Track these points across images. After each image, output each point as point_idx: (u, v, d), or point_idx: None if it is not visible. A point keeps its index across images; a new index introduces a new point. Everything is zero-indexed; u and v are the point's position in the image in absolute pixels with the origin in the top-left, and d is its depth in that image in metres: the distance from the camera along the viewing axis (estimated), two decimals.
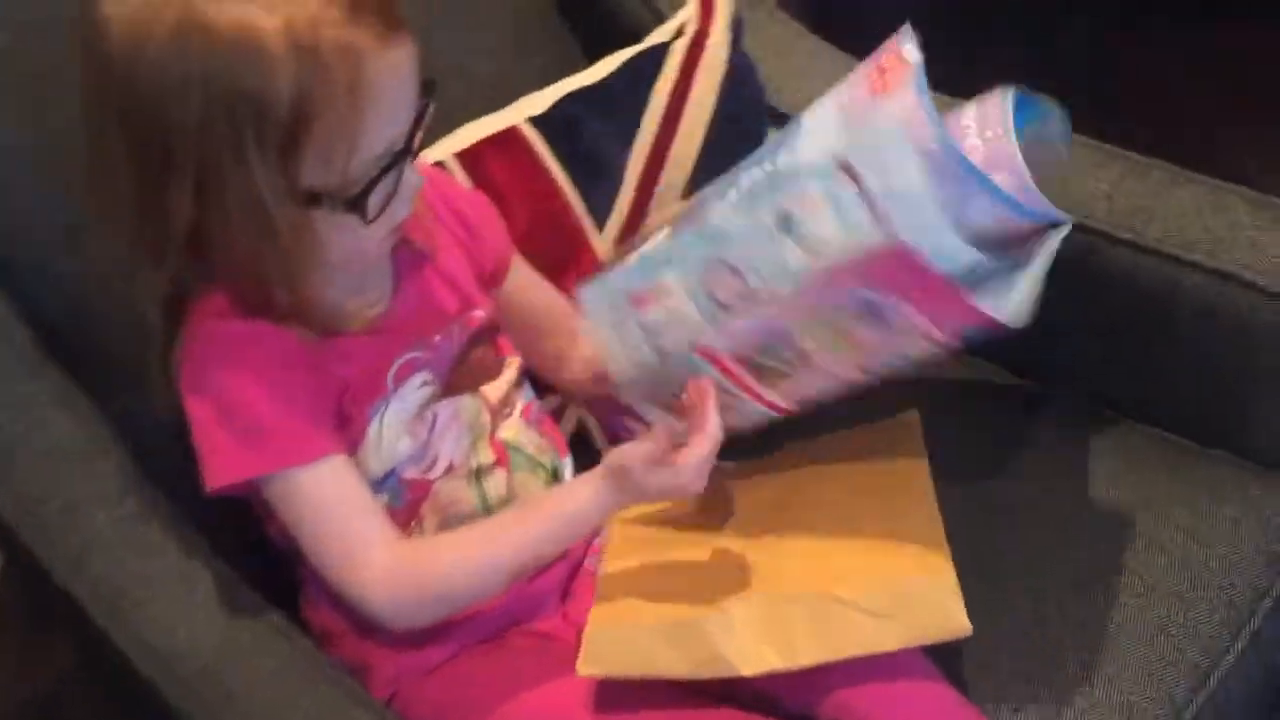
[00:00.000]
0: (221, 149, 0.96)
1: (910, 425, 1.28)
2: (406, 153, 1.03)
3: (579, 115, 1.40)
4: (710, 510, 1.23)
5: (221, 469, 1.06)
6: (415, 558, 1.10)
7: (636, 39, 1.48)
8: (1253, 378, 1.30)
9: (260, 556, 1.18)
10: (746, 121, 1.45)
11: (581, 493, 1.10)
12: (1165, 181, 1.33)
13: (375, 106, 0.98)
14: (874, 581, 1.03)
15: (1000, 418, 1.39)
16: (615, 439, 1.32)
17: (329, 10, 0.96)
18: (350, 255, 1.06)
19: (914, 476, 1.18)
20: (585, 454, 1.31)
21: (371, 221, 1.02)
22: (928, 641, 1.02)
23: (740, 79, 1.44)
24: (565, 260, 1.38)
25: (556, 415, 1.38)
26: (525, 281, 1.30)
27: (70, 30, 0.99)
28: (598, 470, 1.09)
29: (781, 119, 1.47)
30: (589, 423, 1.43)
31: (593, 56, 1.50)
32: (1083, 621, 1.19)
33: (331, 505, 1.08)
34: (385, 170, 1.01)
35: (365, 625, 1.12)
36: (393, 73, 0.99)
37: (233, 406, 1.05)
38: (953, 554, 1.06)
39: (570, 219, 1.39)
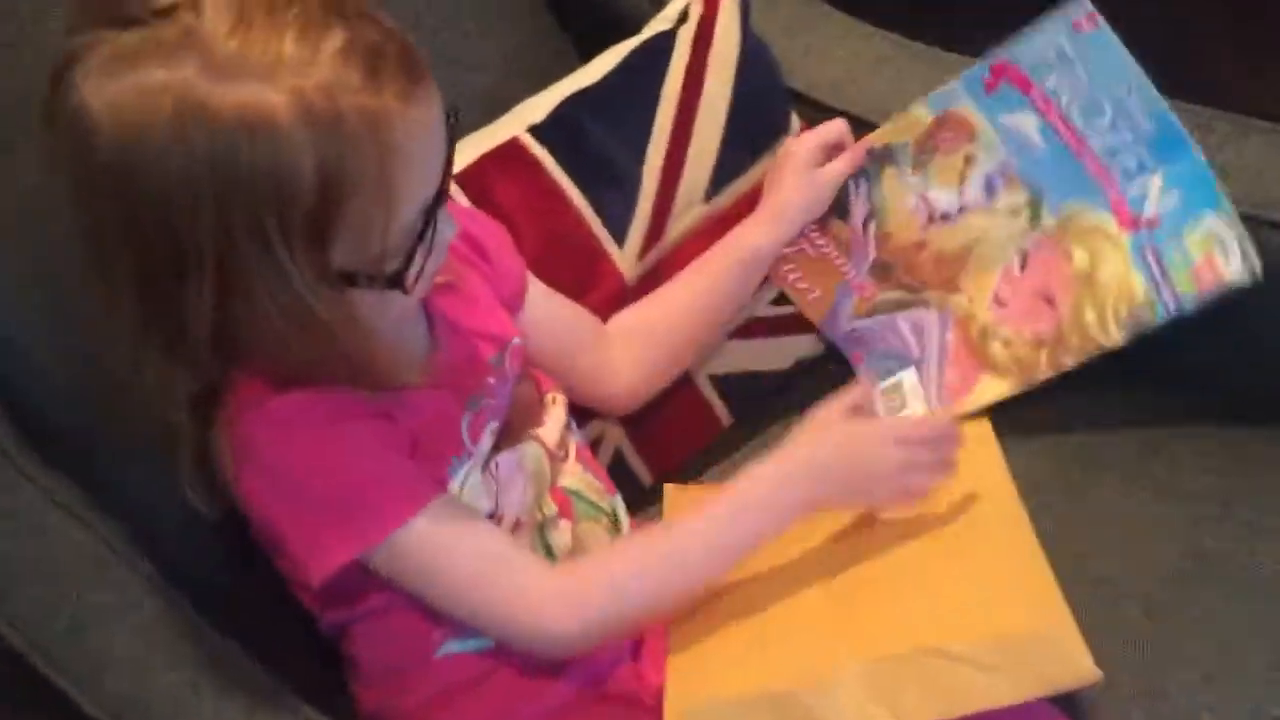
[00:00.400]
0: (242, 244, 0.86)
1: (982, 434, 1.17)
2: (440, 202, 0.93)
3: (583, 120, 1.29)
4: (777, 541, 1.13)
5: (328, 555, 0.95)
6: (582, 573, 1.02)
7: (635, 29, 1.36)
8: None
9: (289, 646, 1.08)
10: (766, 109, 1.33)
11: (763, 473, 1.03)
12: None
13: (408, 170, 0.88)
14: (983, 630, 0.93)
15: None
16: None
17: (345, 74, 0.85)
18: (394, 318, 0.97)
19: (999, 494, 1.09)
20: (626, 486, 1.23)
21: (413, 288, 0.93)
22: (1053, 692, 0.92)
23: (754, 63, 1.32)
24: (584, 281, 1.27)
25: (594, 446, 1.28)
26: (545, 301, 1.20)
27: (40, 114, 0.88)
28: (784, 447, 1.04)
29: (800, 99, 1.36)
30: (625, 449, 1.33)
31: (588, 53, 1.39)
32: (1199, 623, 1.10)
33: (467, 545, 0.98)
34: (422, 232, 0.92)
35: (432, 698, 1.03)
36: (422, 128, 0.89)
37: (315, 486, 0.95)
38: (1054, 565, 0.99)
39: (586, 235, 1.28)
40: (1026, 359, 1.23)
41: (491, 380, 1.07)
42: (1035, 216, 1.24)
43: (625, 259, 1.28)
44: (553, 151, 1.27)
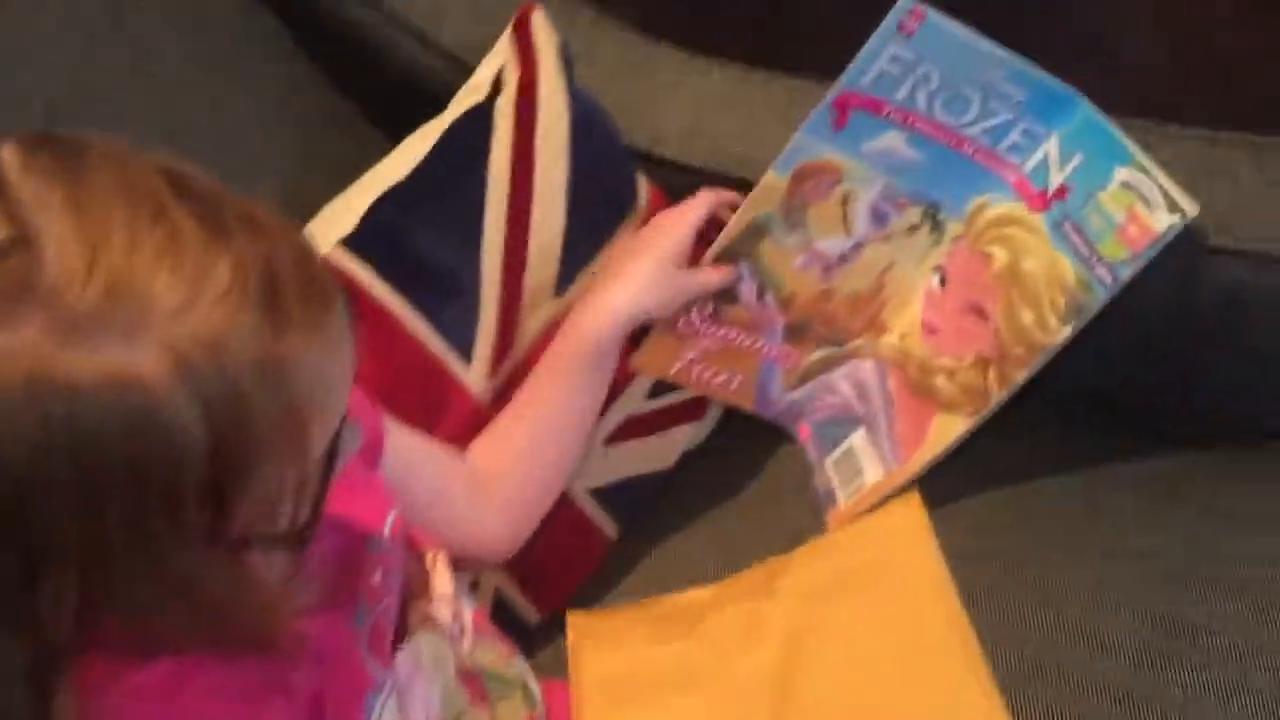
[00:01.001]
0: (118, 531, 0.66)
1: (913, 519, 1.03)
2: (345, 421, 0.74)
3: (401, 223, 1.09)
4: (698, 665, 1.03)
5: None
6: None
7: (436, 99, 1.17)
8: None
9: None
10: (610, 180, 1.15)
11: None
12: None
13: (322, 413, 0.70)
14: None
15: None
16: None
17: (235, 316, 0.65)
18: (286, 568, 0.78)
19: (937, 597, 0.99)
20: (512, 631, 1.07)
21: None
22: None
23: (588, 128, 1.14)
24: (431, 409, 1.09)
25: (471, 591, 1.10)
26: (407, 447, 1.01)
27: None
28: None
29: (646, 159, 1.19)
30: (506, 590, 1.15)
31: (390, 129, 1.19)
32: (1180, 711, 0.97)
33: None
34: (329, 465, 0.74)
35: None
36: (332, 356, 0.70)
37: None
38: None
39: (426, 357, 1.09)
40: (974, 385, 1.09)
41: (377, 577, 0.89)
42: (937, 227, 1.11)
43: (475, 376, 1.10)
44: (372, 265, 1.08)
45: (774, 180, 1.09)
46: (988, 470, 1.12)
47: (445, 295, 1.09)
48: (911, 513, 1.06)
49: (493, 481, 1.06)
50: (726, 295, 1.13)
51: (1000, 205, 1.08)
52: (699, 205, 1.10)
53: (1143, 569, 1.05)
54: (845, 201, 1.10)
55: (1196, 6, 1.77)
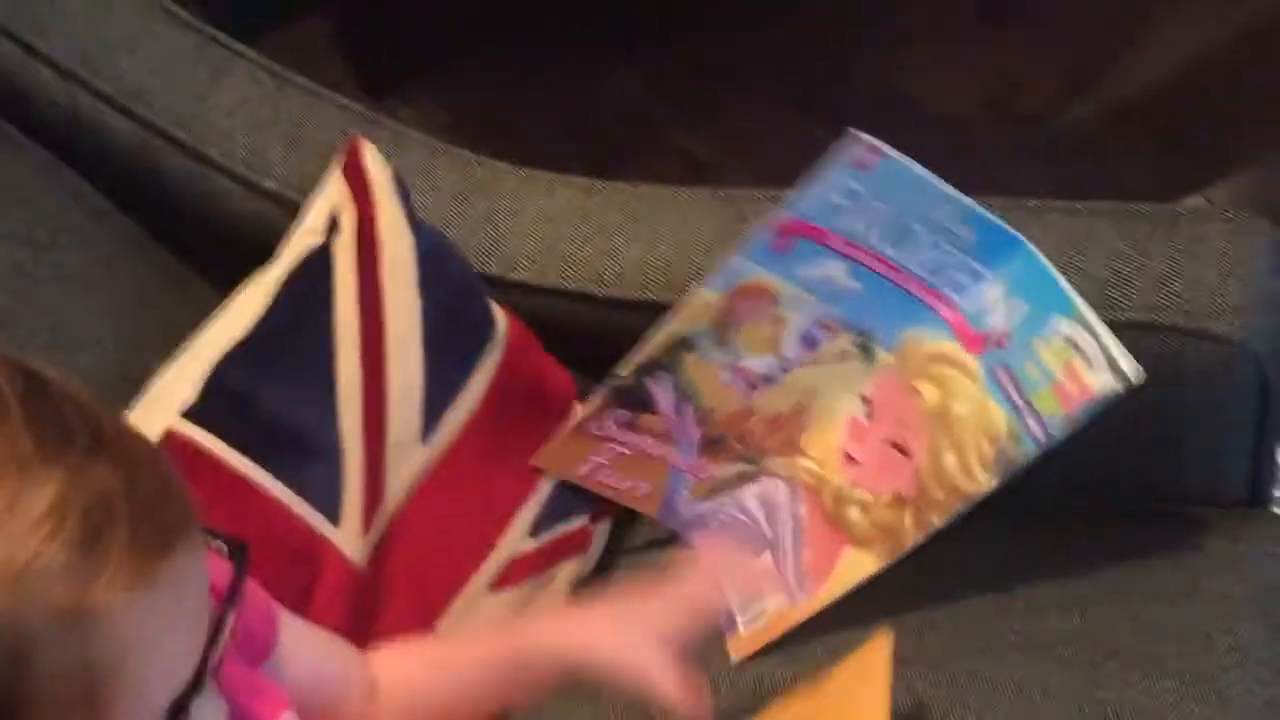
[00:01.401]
0: None
1: (877, 656, 0.97)
2: (199, 689, 0.65)
3: (246, 385, 1.01)
4: None
5: None
6: None
7: (262, 240, 1.10)
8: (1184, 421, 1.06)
9: None
10: (465, 314, 1.09)
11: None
12: None
13: (135, 686, 0.61)
14: None
15: None
16: None
17: (44, 549, 0.57)
18: None
19: None
20: None
21: None
22: None
23: (437, 260, 1.07)
24: (307, 578, 1.00)
25: None
26: (298, 641, 0.91)
27: None
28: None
29: (497, 285, 1.13)
30: None
31: (214, 274, 1.12)
32: None
33: None
34: None
35: None
36: (161, 620, 0.61)
37: None
38: None
39: (291, 525, 1.00)
40: (889, 524, 1.05)
41: None
42: (868, 355, 1.06)
43: (346, 538, 1.02)
44: (221, 435, 1.00)
45: (706, 297, 1.05)
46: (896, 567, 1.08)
47: (304, 456, 1.01)
48: (877, 658, 1.01)
49: (406, 689, 0.96)
50: (643, 404, 1.08)
51: (935, 342, 1.04)
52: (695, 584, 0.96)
53: (1066, 655, 1.02)
54: (776, 324, 1.07)
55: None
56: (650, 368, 1.08)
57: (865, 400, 1.07)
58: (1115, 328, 1.00)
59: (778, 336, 1.06)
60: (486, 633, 1.03)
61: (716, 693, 1.02)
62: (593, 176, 1.16)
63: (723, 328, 1.06)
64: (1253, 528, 1.09)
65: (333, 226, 1.06)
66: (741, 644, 1.07)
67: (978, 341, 1.02)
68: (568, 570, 1.13)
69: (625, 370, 1.08)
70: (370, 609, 1.04)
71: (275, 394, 1.01)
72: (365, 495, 1.02)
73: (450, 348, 1.06)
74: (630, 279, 1.12)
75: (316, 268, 1.05)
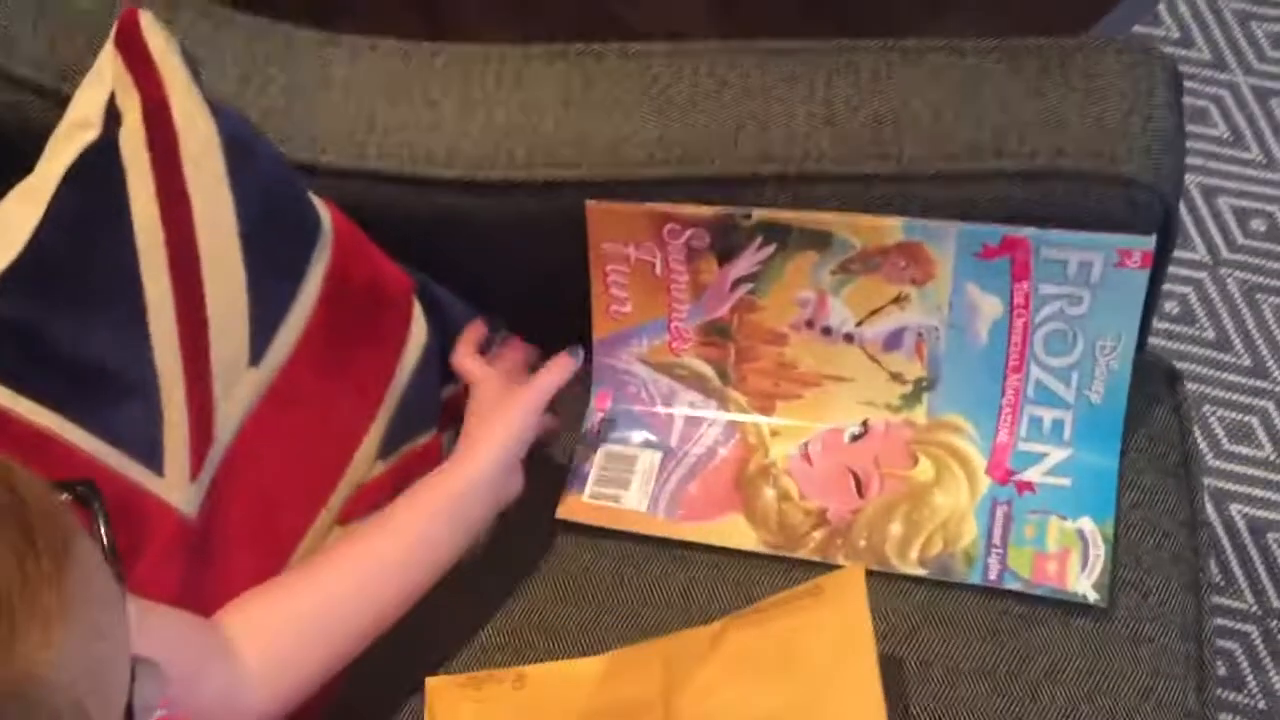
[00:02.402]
0: None
1: (851, 585, 0.91)
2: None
3: (25, 318, 0.84)
4: None
5: None
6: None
7: (22, 141, 0.91)
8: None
9: None
10: (284, 209, 0.93)
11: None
12: None
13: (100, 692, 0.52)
14: None
15: None
16: None
17: None
18: None
19: (860, 692, 0.86)
20: None
21: None
22: None
23: (245, 149, 0.91)
24: (132, 542, 0.85)
25: None
26: (154, 623, 0.78)
27: None
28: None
29: (311, 173, 0.97)
30: None
31: None
32: None
33: None
34: None
35: None
36: (85, 629, 0.51)
37: None
38: None
39: (105, 482, 0.84)
40: (795, 528, 0.99)
41: None
42: (913, 399, 1.01)
43: (173, 487, 0.86)
44: (2, 381, 0.82)
45: (888, 225, 0.96)
46: None
47: (113, 397, 0.85)
48: (852, 587, 0.92)
49: (275, 631, 0.85)
50: (726, 249, 0.98)
51: (967, 446, 1.00)
52: (554, 375, 0.97)
53: None
54: (896, 301, 0.99)
55: None
56: (775, 232, 0.97)
57: (865, 425, 1.02)
58: (1016, 178, 0.93)
59: (881, 310, 0.98)
60: (355, 534, 0.92)
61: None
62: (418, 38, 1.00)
63: (865, 261, 0.97)
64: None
65: (112, 117, 0.88)
66: (572, 507, 1.01)
67: (1003, 473, 0.99)
68: None
69: (757, 214, 0.97)
70: (208, 564, 0.89)
71: (65, 326, 0.84)
72: (191, 435, 0.87)
73: (273, 253, 0.90)
74: (465, 155, 0.97)
75: (98, 168, 0.87)
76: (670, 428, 1.03)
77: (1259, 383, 1.54)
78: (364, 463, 0.96)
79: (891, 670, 0.88)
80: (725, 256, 0.99)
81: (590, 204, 0.98)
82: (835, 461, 1.01)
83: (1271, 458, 1.51)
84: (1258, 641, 1.41)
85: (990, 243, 0.95)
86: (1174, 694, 0.93)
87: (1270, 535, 1.46)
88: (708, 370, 1.03)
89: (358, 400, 0.96)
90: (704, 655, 0.89)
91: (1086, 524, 0.96)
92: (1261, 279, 1.59)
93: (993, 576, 0.95)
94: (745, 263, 0.99)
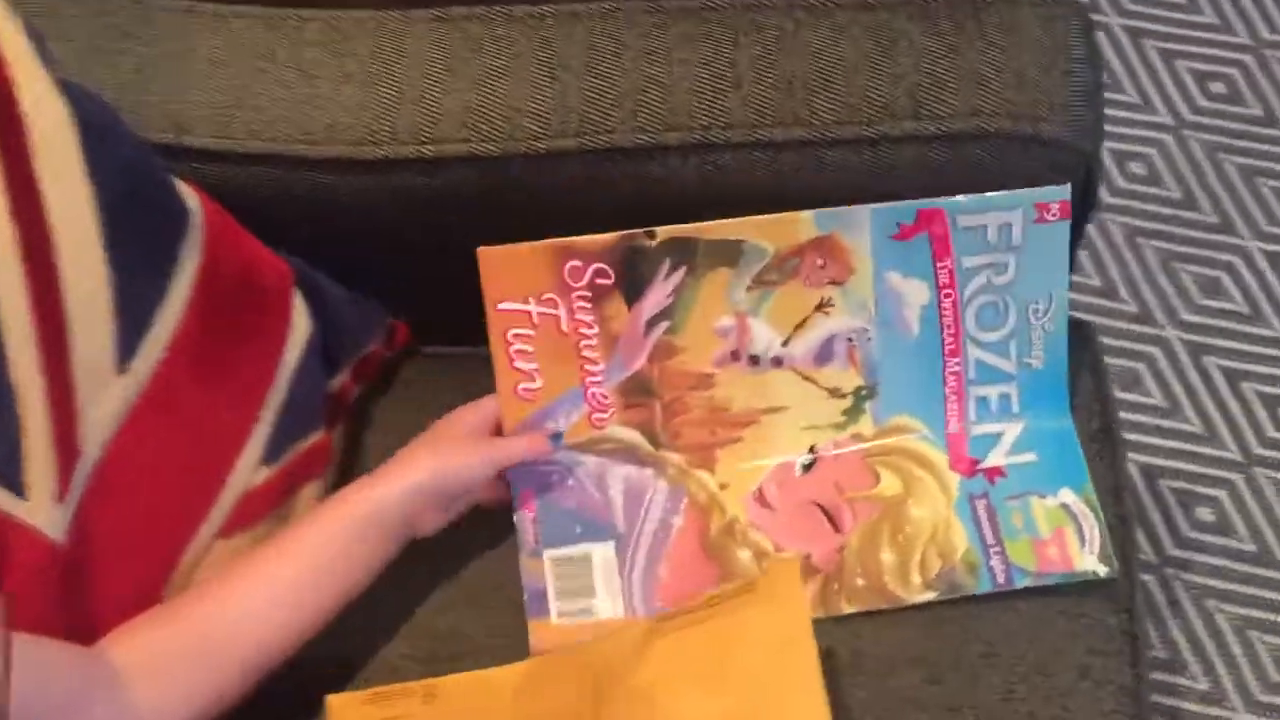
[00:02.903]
0: None
1: (786, 579, 0.87)
2: None
3: None
4: None
5: None
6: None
7: None
8: None
9: None
10: (147, 196, 0.84)
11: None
12: None
13: None
14: None
15: None
16: None
17: None
18: None
19: (803, 689, 0.82)
20: None
21: None
22: None
23: (101, 132, 0.82)
24: None
25: None
26: (26, 658, 0.70)
27: None
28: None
29: (171, 154, 0.89)
30: None
31: None
32: None
33: None
34: None
35: None
36: None
37: None
38: None
39: None
40: None
41: None
42: (856, 411, 0.96)
43: (37, 509, 0.77)
44: None
45: (806, 223, 0.91)
46: None
47: None
48: (788, 580, 0.88)
49: (167, 662, 0.77)
50: (635, 283, 0.91)
51: (921, 445, 0.96)
52: (525, 445, 0.93)
53: None
54: (820, 307, 0.94)
55: None
56: (683, 251, 0.91)
57: (813, 451, 0.96)
58: (936, 140, 0.88)
59: (806, 321, 0.93)
60: (251, 556, 0.85)
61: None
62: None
63: (781, 267, 0.92)
64: None
65: None
66: (545, 636, 0.92)
67: (968, 464, 0.95)
68: (308, 493, 0.94)
69: (660, 233, 0.91)
70: (82, 589, 0.81)
71: None
72: (56, 451, 0.78)
73: (138, 246, 0.82)
74: (344, 131, 0.90)
75: None
76: (610, 513, 0.94)
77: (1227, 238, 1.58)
78: (247, 470, 0.89)
79: (826, 663, 0.84)
80: (634, 292, 0.92)
81: (482, 250, 0.91)
82: (797, 500, 0.95)
83: (1245, 311, 1.54)
84: (1155, 590, 1.41)
85: (905, 221, 0.91)
86: (1110, 671, 0.90)
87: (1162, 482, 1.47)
88: (635, 437, 0.95)
89: (238, 402, 0.88)
90: (633, 661, 0.83)
91: (1068, 496, 0.93)
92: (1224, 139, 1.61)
93: (1001, 580, 0.91)
94: (656, 296, 0.92)
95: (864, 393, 0.95)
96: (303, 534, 0.84)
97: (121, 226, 0.81)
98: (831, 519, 0.93)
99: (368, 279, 0.98)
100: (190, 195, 0.86)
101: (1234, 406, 1.51)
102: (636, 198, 0.93)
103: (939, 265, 0.92)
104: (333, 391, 0.97)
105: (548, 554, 0.92)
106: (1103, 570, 0.91)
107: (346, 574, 0.84)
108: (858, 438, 0.95)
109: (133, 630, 0.79)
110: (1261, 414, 1.50)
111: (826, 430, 0.95)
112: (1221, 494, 1.46)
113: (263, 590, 0.82)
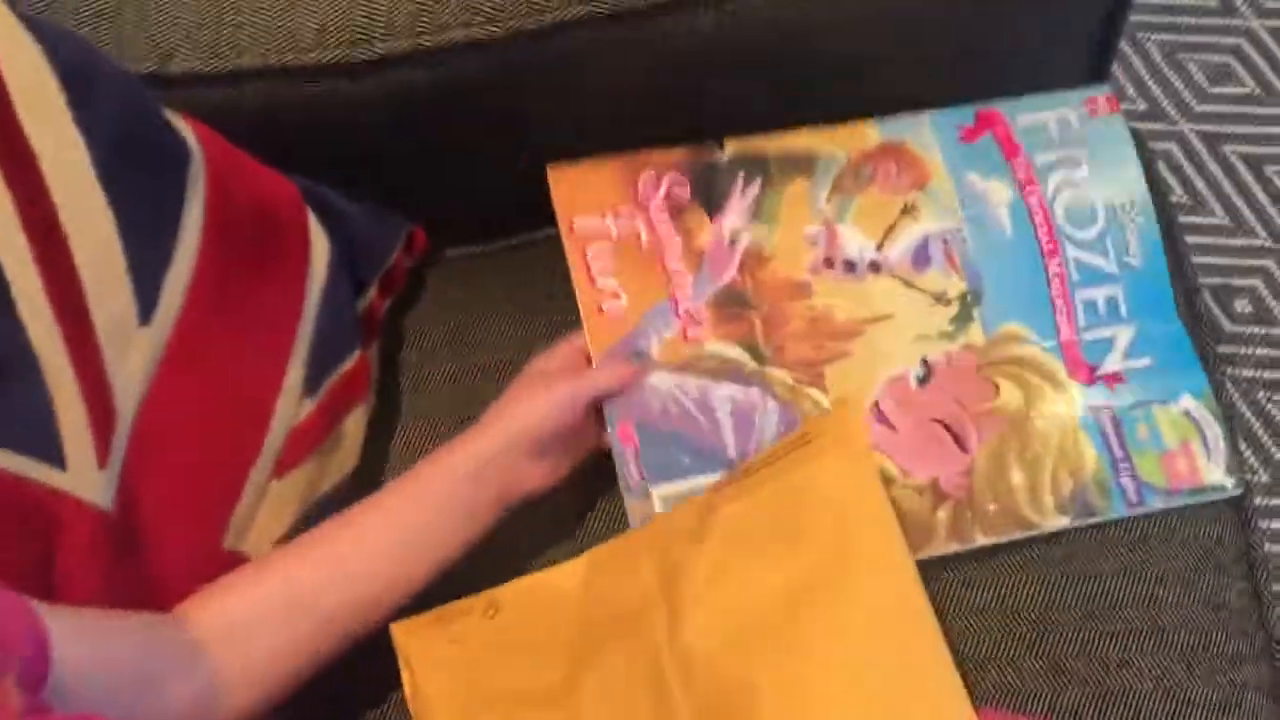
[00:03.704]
0: None
1: (841, 423, 0.84)
2: None
3: None
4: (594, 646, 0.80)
5: None
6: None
7: None
8: None
9: None
10: (141, 134, 0.78)
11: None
12: None
13: None
14: None
15: None
16: None
17: None
18: None
19: (881, 539, 0.79)
20: None
21: None
22: None
23: (82, 70, 0.75)
24: (42, 550, 0.72)
25: None
26: (65, 633, 0.65)
27: None
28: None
29: (157, 83, 0.83)
30: None
31: None
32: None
33: None
34: None
35: None
36: None
37: None
38: None
39: (3, 488, 0.72)
40: (914, 513, 0.86)
41: None
42: (963, 318, 0.90)
43: (80, 479, 0.73)
44: None
45: (870, 132, 0.91)
46: None
47: None
48: (851, 424, 0.84)
49: (249, 631, 0.74)
50: (711, 195, 0.87)
51: (1036, 351, 0.90)
52: (606, 376, 0.86)
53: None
54: (905, 212, 0.90)
55: None
56: (755, 163, 0.89)
57: (926, 364, 0.89)
58: None
59: (896, 226, 0.89)
60: (334, 520, 0.80)
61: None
62: None
63: (855, 175, 0.89)
64: None
65: None
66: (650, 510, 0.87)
67: (1086, 370, 0.90)
68: (355, 419, 0.89)
69: (729, 147, 0.88)
70: (136, 554, 0.77)
71: None
72: (90, 417, 0.74)
73: (141, 191, 0.76)
74: (335, 33, 0.84)
75: None
76: (720, 436, 0.87)
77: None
78: (290, 406, 0.84)
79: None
80: (713, 204, 0.88)
81: (552, 168, 0.86)
82: (917, 417, 0.88)
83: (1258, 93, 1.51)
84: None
85: (965, 123, 0.89)
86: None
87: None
88: (737, 352, 0.88)
89: (269, 338, 0.84)
90: (699, 536, 0.79)
91: (1189, 403, 0.89)
92: None
93: (1134, 500, 0.87)
94: (736, 207, 0.88)
95: (969, 298, 0.90)
96: (389, 499, 0.79)
97: (121, 176, 0.75)
98: (956, 438, 0.87)
99: (377, 187, 0.92)
100: (186, 130, 0.80)
101: (1258, 192, 1.47)
102: (651, 63, 0.87)
103: (1014, 163, 0.90)
104: (362, 310, 0.92)
105: (656, 491, 0.86)
106: (1229, 483, 0.87)
107: (441, 540, 0.79)
108: (970, 349, 0.89)
109: (212, 595, 0.75)
110: None
111: (937, 340, 0.89)
112: (1256, 282, 1.43)
113: (347, 555, 0.77)
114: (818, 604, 0.75)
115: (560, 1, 0.84)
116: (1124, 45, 1.55)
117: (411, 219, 0.97)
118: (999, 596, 0.85)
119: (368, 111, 0.86)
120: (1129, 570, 0.87)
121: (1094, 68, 0.99)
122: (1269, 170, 1.48)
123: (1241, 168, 1.48)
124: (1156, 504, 0.87)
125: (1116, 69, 1.53)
